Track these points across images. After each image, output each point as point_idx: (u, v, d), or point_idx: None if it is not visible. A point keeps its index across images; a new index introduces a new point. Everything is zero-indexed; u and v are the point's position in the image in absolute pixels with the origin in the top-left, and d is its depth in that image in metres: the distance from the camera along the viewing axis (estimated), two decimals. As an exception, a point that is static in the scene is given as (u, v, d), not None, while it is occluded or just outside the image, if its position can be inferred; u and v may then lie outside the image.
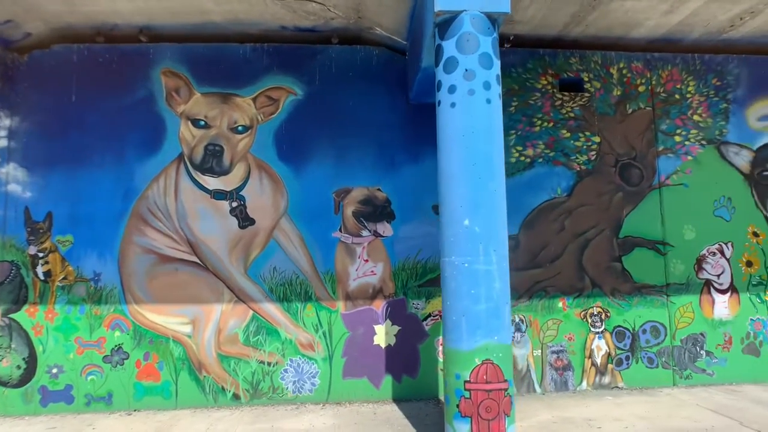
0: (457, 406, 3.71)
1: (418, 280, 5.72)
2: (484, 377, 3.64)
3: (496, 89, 4.02)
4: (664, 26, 5.95)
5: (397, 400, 5.52)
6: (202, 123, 5.82)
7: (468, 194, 3.82)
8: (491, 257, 3.75)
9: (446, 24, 4.11)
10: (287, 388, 5.50)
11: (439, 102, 4.11)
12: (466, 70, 3.96)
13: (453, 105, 3.98)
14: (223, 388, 5.45)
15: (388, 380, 5.57)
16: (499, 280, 3.75)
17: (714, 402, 5.17)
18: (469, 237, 3.78)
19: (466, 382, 3.67)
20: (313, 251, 5.67)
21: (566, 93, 6.12)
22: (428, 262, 5.75)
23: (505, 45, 6.10)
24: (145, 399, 5.40)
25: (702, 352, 5.92)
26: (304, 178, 5.79)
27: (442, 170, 4.03)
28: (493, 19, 4.09)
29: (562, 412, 4.96)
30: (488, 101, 3.93)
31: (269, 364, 5.52)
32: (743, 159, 6.26)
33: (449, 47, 4.05)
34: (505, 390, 3.69)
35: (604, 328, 5.85)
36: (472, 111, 3.91)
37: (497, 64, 4.07)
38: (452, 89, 4.00)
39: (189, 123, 5.81)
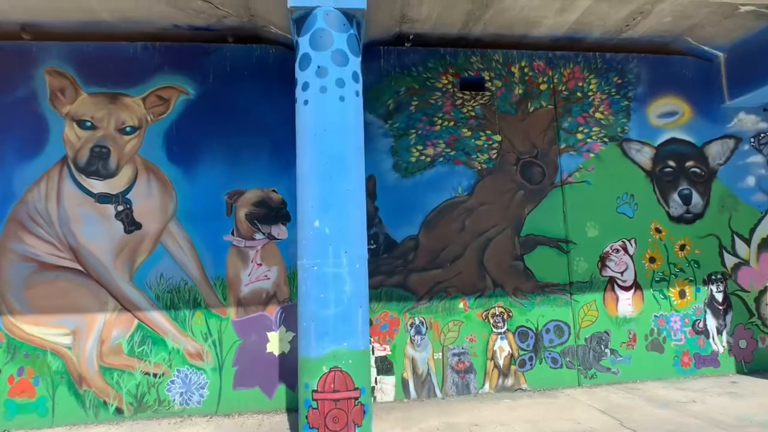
0: (306, 417, 3.40)
1: (314, 284, 5.42)
2: (332, 386, 3.35)
3: (353, 87, 3.78)
4: (563, 25, 5.82)
5: (291, 410, 5.17)
6: (89, 124, 5.44)
7: (319, 194, 3.56)
8: (341, 259, 3.48)
9: (301, 20, 3.87)
10: (174, 400, 5.11)
11: (296, 100, 3.85)
12: (319, 67, 3.71)
13: (306, 102, 3.73)
14: (105, 402, 5.02)
15: (281, 390, 5.21)
16: (350, 283, 3.48)
17: (608, 402, 4.94)
18: (318, 238, 3.50)
19: (313, 391, 3.37)
20: (203, 256, 5.30)
21: (467, 92, 5.94)
22: (325, 265, 5.47)
23: (405, 44, 5.90)
24: (17, 418, 4.93)
25: (606, 350, 5.73)
26: (196, 180, 5.43)
27: (298, 171, 3.76)
28: (349, 15, 3.86)
29: (451, 418, 4.68)
30: (342, 99, 3.68)
31: (155, 375, 5.12)
32: (645, 156, 6.14)
33: (304, 44, 3.81)
34: (356, 399, 3.40)
35: (507, 329, 5.62)
36: (323, 109, 3.66)
37: (355, 61, 3.83)
38: (305, 86, 3.75)
39: (74, 124, 5.42)
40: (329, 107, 3.68)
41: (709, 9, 5.68)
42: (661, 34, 6.16)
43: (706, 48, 6.31)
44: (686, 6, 5.59)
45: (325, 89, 3.70)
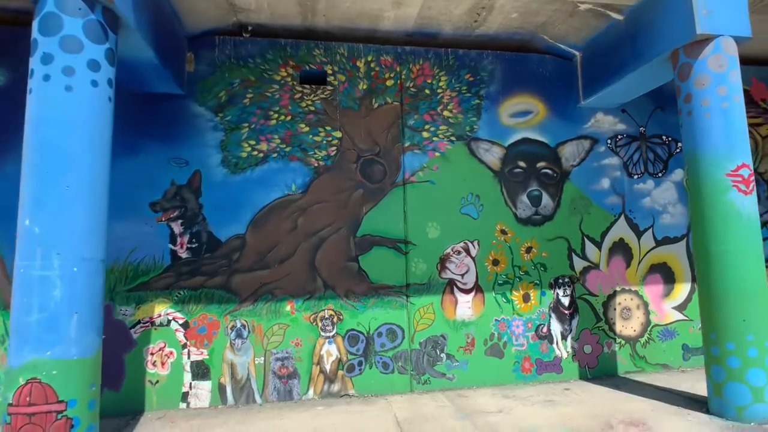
0: (0, 433, 3.03)
1: (128, 284, 4.99)
2: (27, 399, 2.97)
3: (88, 76, 3.36)
4: (406, 19, 5.41)
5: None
6: None
7: (32, 190, 3.14)
8: (52, 262, 3.07)
9: (35, 3, 3.45)
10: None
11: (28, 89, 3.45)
12: (44, 53, 3.29)
13: (30, 91, 3.32)
14: None
15: None
16: (62, 288, 3.08)
17: (415, 412, 4.57)
18: (27, 238, 3.10)
19: (9, 405, 2.99)
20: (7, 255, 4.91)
21: (308, 86, 5.56)
22: (141, 264, 5.03)
23: (244, 34, 5.50)
24: None
25: (442, 355, 5.41)
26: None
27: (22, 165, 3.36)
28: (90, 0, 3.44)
29: (241, 427, 4.30)
30: (68, 88, 3.27)
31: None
32: (494, 156, 5.82)
33: (34, 28, 3.39)
34: (60, 412, 3.03)
35: (336, 332, 5.26)
36: (45, 98, 3.24)
37: (94, 48, 3.41)
38: (31, 74, 3.33)
39: None
40: (51, 97, 3.25)
41: (553, 6, 5.34)
42: (516, 31, 5.83)
43: (563, 46, 5.99)
44: (528, 2, 5.28)
45: (49, 77, 3.28)
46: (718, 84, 4.28)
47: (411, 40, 5.94)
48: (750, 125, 6.45)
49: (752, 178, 4.22)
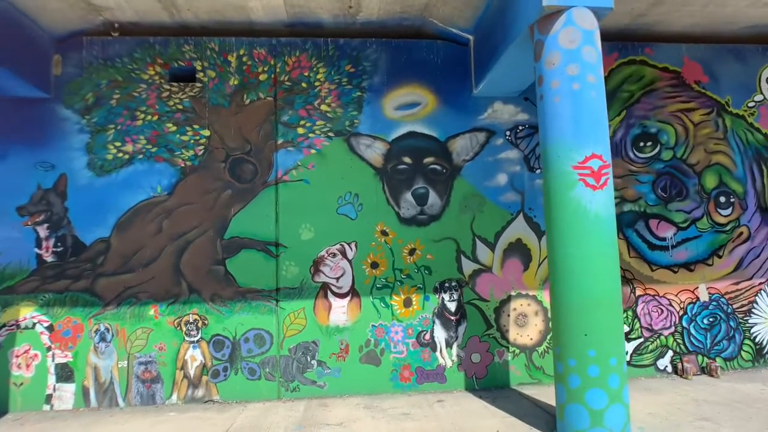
0: None
1: (-6, 287, 5.01)
2: None
3: None
4: (275, 7, 4.96)
5: (-40, 415, 4.85)
6: None
7: None
8: None
9: None
10: None
11: None
12: None
13: None
14: None
15: (-47, 394, 4.90)
16: None
17: (254, 422, 4.24)
18: None
19: None
20: None
21: (176, 84, 5.29)
22: (8, 268, 4.96)
23: (112, 33, 5.29)
24: None
25: (313, 361, 5.08)
26: None
27: None
28: None
29: (83, 431, 4.22)
30: None
31: None
32: (376, 152, 5.35)
33: None
34: None
35: (201, 337, 5.03)
36: None
37: None
38: None
39: None
40: None
41: (425, -15, 4.82)
42: (402, 16, 5.30)
43: (454, 30, 5.40)
44: (398, -18, 4.76)
45: None
46: (569, 62, 3.62)
47: (294, 32, 5.55)
48: (680, 111, 5.67)
49: (605, 170, 3.58)
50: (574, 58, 3.64)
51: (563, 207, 3.59)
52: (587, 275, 3.50)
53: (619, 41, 5.76)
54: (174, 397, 4.95)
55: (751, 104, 5.85)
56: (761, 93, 5.87)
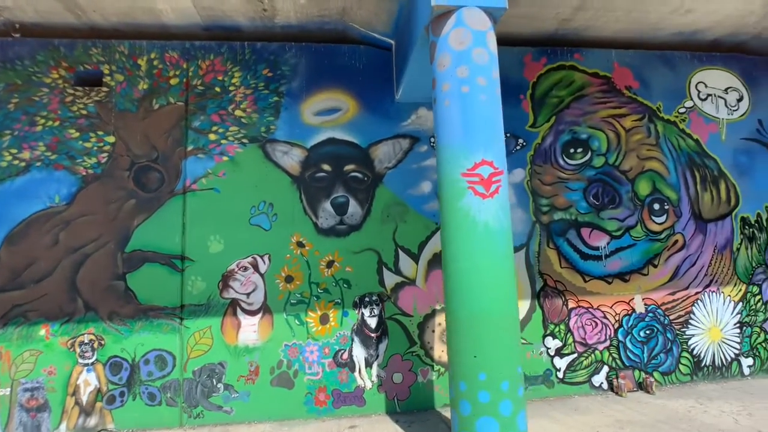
0: None
1: None
2: None
3: None
4: (185, 10, 4.69)
5: None
6: None
7: None
8: None
9: None
10: None
11: None
12: None
13: None
14: None
15: None
16: None
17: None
18: None
19: None
20: None
21: (81, 88, 4.99)
22: None
23: (13, 34, 5.00)
24: None
25: (219, 385, 4.65)
26: None
27: None
28: None
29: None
30: None
31: None
32: (293, 159, 5.06)
33: None
34: None
35: (96, 359, 4.60)
36: None
37: None
38: None
39: None
40: None
41: (336, -14, 4.64)
42: (322, 20, 5.08)
43: (376, 35, 5.22)
44: (310, -17, 4.57)
45: None
46: (459, 64, 3.40)
47: (213, 35, 5.30)
48: (612, 116, 5.51)
49: (496, 178, 3.32)
50: (464, 60, 3.41)
51: (453, 217, 3.31)
52: (477, 291, 3.20)
53: (549, 46, 5.63)
54: (63, 426, 4.45)
55: (681, 110, 5.72)
56: (691, 99, 5.75)
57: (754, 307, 5.52)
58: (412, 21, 4.12)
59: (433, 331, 4.94)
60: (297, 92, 5.13)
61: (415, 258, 5.02)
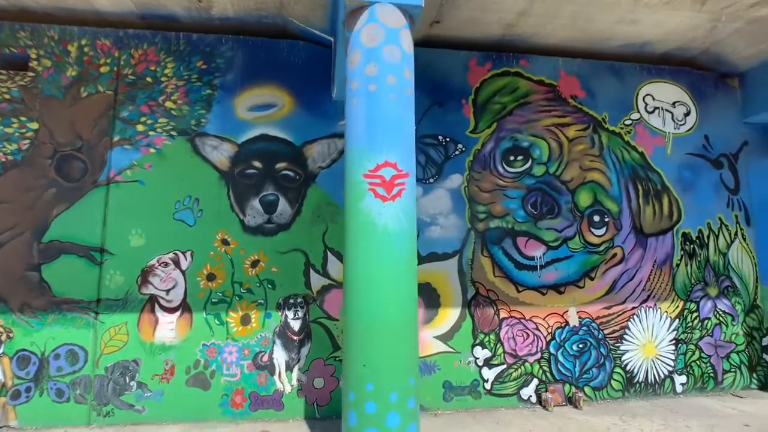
0: None
1: None
2: None
3: None
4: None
5: None
6: None
7: None
8: None
9: None
10: None
11: None
12: None
13: None
14: None
15: None
16: None
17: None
18: None
19: None
20: None
21: (5, 72, 4.83)
22: None
23: (-62, 14, 4.86)
24: None
25: (132, 383, 4.51)
26: None
27: None
28: None
29: None
30: None
31: None
32: (222, 154, 4.92)
33: None
34: None
35: (3, 352, 4.44)
36: None
37: None
38: None
39: None
40: None
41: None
42: (260, 14, 4.94)
43: (315, 31, 5.12)
44: (237, -25, 4.45)
45: None
46: (368, 62, 3.29)
47: (150, 24, 5.15)
48: (555, 125, 5.43)
49: (400, 180, 3.21)
50: (374, 58, 3.30)
51: (353, 219, 3.20)
52: (373, 297, 3.10)
53: (497, 52, 5.55)
54: (-36, 420, 4.34)
55: (627, 122, 5.65)
56: (638, 111, 5.68)
57: (690, 324, 5.45)
58: (338, 17, 4.02)
59: (359, 336, 4.84)
60: (231, 86, 5.00)
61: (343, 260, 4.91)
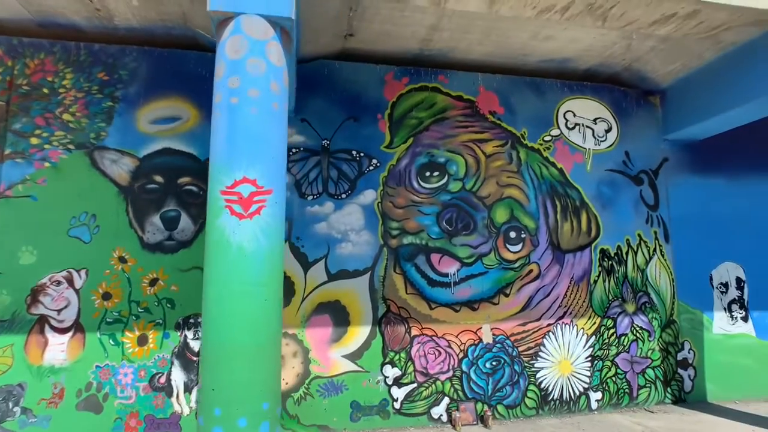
0: None
1: None
2: None
3: None
4: (8, 4, 4.39)
5: None
6: None
7: None
8: None
9: None
10: None
11: None
12: None
13: None
14: None
15: None
16: None
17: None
18: None
19: None
20: None
21: None
22: None
23: None
24: None
25: (16, 408, 4.31)
26: None
27: None
28: None
29: None
30: None
31: None
32: (123, 168, 4.75)
33: None
34: None
35: None
36: None
37: None
38: None
39: None
40: None
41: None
42: (165, 25, 4.77)
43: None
44: (132, -16, 4.30)
45: None
46: (231, 74, 3.18)
47: (50, 33, 4.92)
48: (473, 141, 5.39)
49: (259, 197, 3.08)
50: (237, 70, 3.20)
51: (209, 237, 3.08)
52: (225, 319, 2.98)
53: (415, 66, 5.48)
54: None
55: (547, 138, 5.64)
56: (558, 128, 5.68)
57: (607, 340, 5.45)
58: (224, 32, 3.90)
59: (263, 357, 4.71)
60: (134, 98, 4.83)
61: (250, 278, 4.78)
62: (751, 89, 4.85)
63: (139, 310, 4.57)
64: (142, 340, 4.54)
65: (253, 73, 3.19)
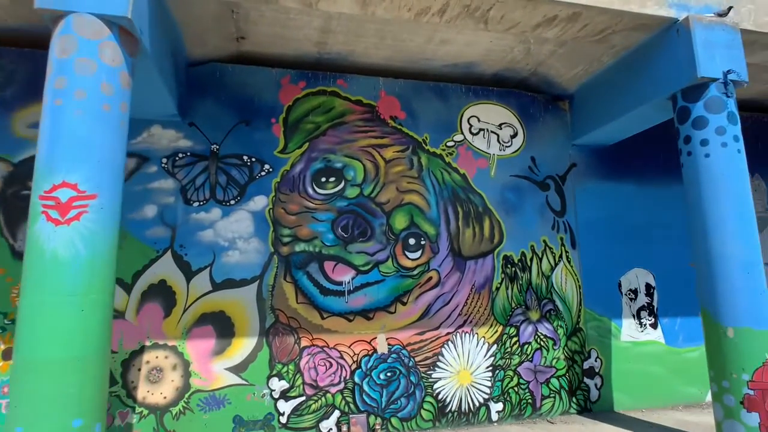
0: None
1: None
2: None
3: None
4: None
5: None
6: None
7: None
8: None
9: None
10: None
11: None
12: None
13: None
14: None
15: None
16: None
17: None
18: None
19: None
20: None
21: None
22: None
23: None
24: None
25: None
26: None
27: None
28: None
29: None
30: None
31: None
32: (-6, 174, 4.67)
33: None
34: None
35: None
36: None
37: None
38: None
39: None
40: None
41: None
42: (48, 26, 4.76)
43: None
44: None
45: None
46: (58, 74, 3.11)
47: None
48: (372, 146, 5.28)
49: (79, 202, 2.95)
50: (63, 70, 3.10)
51: (27, 244, 2.93)
52: (35, 330, 2.81)
53: (314, 70, 5.40)
54: None
55: (450, 143, 5.56)
56: (462, 133, 5.62)
57: (509, 349, 5.34)
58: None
59: (140, 370, 4.49)
60: (10, 101, 4.66)
61: (128, 288, 4.57)
62: (644, 92, 4.83)
63: (6, 322, 4.36)
64: (7, 354, 4.34)
65: (81, 73, 3.08)
